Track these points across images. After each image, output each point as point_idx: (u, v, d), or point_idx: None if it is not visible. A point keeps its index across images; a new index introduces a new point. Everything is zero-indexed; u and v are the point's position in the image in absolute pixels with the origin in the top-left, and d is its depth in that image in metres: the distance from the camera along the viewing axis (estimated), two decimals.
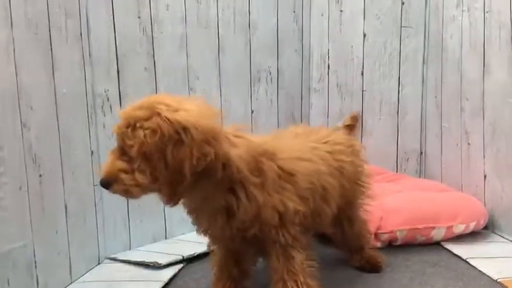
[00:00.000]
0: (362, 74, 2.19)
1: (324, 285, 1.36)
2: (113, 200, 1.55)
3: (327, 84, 2.21)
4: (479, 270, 1.45)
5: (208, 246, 1.28)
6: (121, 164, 1.00)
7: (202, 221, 1.15)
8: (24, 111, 1.20)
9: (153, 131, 0.96)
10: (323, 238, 1.66)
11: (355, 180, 1.38)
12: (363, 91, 2.20)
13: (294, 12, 2.09)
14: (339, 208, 1.33)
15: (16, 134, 1.17)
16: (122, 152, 1.01)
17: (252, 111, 1.94)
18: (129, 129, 0.98)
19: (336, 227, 1.45)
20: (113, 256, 1.55)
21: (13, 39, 1.17)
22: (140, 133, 0.97)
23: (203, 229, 1.17)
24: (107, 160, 1.03)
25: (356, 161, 1.38)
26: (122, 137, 1.00)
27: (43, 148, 1.26)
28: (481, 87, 1.79)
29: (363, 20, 2.16)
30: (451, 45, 1.95)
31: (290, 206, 1.11)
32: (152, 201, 1.64)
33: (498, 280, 1.38)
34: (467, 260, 1.53)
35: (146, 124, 0.97)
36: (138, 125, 0.98)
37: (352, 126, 1.49)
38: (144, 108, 0.99)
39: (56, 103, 1.32)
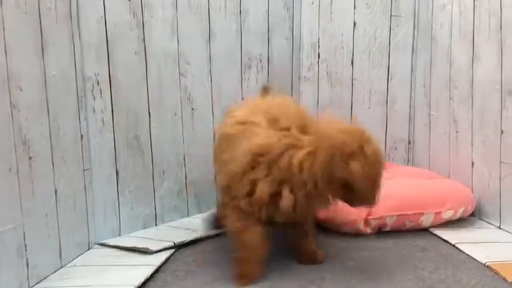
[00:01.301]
0: (352, 63, 2.20)
1: (313, 270, 1.37)
2: (103, 186, 1.55)
3: (317, 73, 2.22)
4: (468, 255, 1.48)
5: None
6: None
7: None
8: (14, 92, 1.18)
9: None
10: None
11: None
12: (352, 80, 2.21)
13: None
14: None
15: (5, 115, 1.15)
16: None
17: (243, 99, 1.94)
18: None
19: None
20: (103, 241, 1.53)
21: (3, 18, 1.14)
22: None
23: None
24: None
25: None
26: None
27: (33, 130, 1.24)
28: (470, 76, 1.80)
29: (353, 8, 2.16)
30: (440, 33, 1.97)
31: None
32: (142, 187, 1.65)
33: (487, 264, 1.40)
34: (456, 244, 1.55)
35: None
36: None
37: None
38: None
39: (45, 85, 1.30)
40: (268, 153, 1.24)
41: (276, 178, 1.23)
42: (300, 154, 1.21)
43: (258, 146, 1.25)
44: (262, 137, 1.27)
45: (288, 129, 1.27)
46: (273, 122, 1.31)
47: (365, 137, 1.24)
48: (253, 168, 1.24)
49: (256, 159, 1.24)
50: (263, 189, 1.23)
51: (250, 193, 1.24)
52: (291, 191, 1.23)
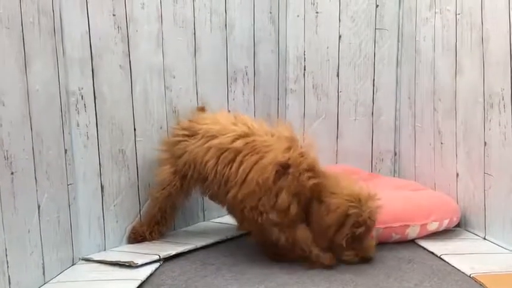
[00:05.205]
0: (337, 75, 2.22)
1: (301, 282, 1.37)
2: (88, 201, 1.53)
3: (303, 85, 2.23)
4: (453, 266, 1.48)
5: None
6: None
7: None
8: None
9: None
10: None
11: None
12: (338, 92, 2.23)
13: (271, 13, 2.10)
14: None
15: None
16: None
17: (229, 112, 1.94)
18: None
19: None
20: (87, 257, 1.52)
21: None
22: None
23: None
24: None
25: None
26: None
27: (15, 145, 1.23)
28: (453, 88, 1.83)
29: (338, 21, 2.19)
30: (424, 46, 1.99)
31: None
32: (128, 201, 1.64)
33: (471, 275, 1.41)
34: (441, 256, 1.56)
35: None
36: None
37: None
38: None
39: (28, 100, 1.29)
40: (296, 167, 1.40)
41: (291, 190, 1.40)
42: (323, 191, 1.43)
43: (285, 157, 1.41)
44: (283, 149, 1.42)
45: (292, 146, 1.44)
46: (275, 136, 1.47)
47: (373, 208, 1.48)
48: (279, 179, 1.40)
49: (282, 170, 1.40)
50: (285, 198, 1.40)
51: (275, 204, 1.41)
52: (298, 203, 1.42)
